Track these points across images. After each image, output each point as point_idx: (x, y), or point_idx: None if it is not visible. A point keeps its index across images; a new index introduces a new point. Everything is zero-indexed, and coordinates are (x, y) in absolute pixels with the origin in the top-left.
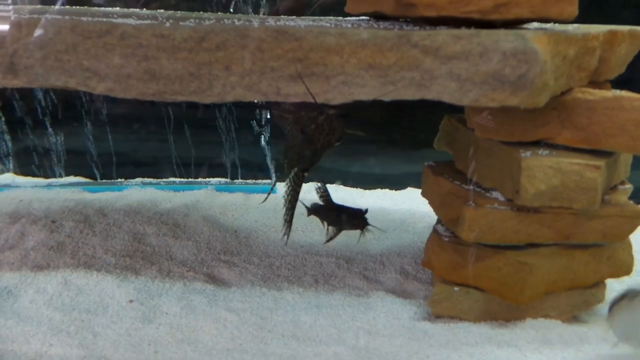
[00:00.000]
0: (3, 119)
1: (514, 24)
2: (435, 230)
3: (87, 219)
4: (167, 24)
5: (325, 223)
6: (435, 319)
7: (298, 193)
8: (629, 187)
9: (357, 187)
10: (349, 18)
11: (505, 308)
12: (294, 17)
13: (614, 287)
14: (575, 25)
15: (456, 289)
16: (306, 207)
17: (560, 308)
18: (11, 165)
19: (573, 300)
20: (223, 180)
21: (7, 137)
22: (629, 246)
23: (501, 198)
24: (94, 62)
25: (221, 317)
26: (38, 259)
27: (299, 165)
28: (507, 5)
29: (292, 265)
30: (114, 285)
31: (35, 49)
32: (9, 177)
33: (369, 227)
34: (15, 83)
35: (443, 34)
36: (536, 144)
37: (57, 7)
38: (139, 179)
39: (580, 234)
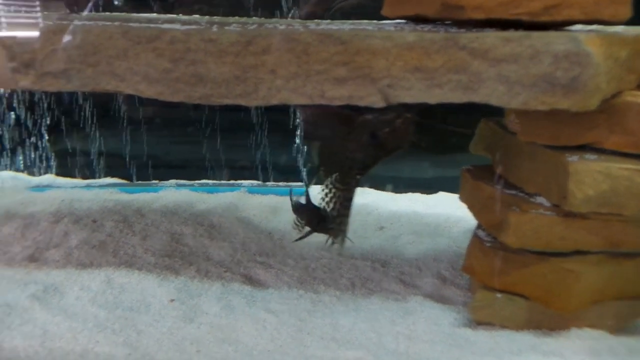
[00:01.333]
0: (45, 122)
1: (563, 25)
2: (476, 235)
3: (126, 219)
4: (214, 29)
5: (303, 222)
6: (476, 325)
7: (351, 200)
8: None
9: (387, 191)
10: (384, 22)
11: (549, 317)
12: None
13: None
14: (621, 27)
15: (498, 295)
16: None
17: (607, 318)
18: (52, 167)
19: (621, 310)
20: (255, 182)
21: (48, 139)
22: None
23: (546, 203)
24: (144, 67)
25: (260, 318)
26: (81, 257)
27: (354, 170)
28: (558, 7)
29: (327, 268)
30: (154, 284)
31: (88, 54)
32: (49, 178)
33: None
34: (68, 87)
35: (492, 36)
36: (582, 148)
37: (106, 13)
38: (173, 181)
39: (630, 242)
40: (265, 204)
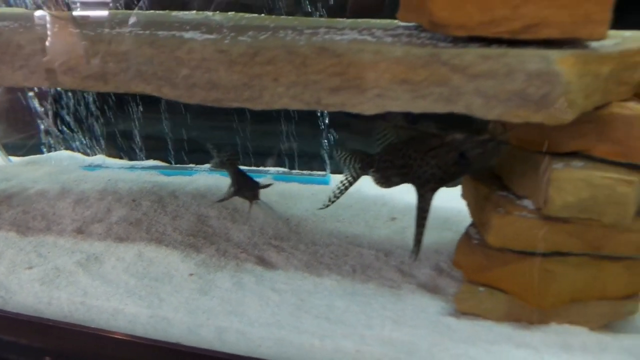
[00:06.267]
0: (97, 107)
1: (544, 42)
2: (467, 232)
3: (161, 200)
4: (227, 41)
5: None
6: (461, 315)
7: (427, 212)
8: None
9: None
10: (401, 24)
11: (529, 311)
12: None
13: None
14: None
15: (481, 289)
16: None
17: (588, 316)
18: (103, 148)
19: (603, 309)
20: (281, 169)
21: (100, 123)
22: None
23: (531, 206)
24: (167, 73)
25: (265, 295)
26: (119, 232)
27: (431, 184)
28: (537, 26)
29: (334, 254)
30: (178, 259)
31: (121, 60)
32: (100, 158)
33: (258, 201)
34: (106, 88)
35: (472, 53)
36: (573, 154)
37: (144, 11)
38: (207, 165)
39: (612, 246)
40: (287, 191)
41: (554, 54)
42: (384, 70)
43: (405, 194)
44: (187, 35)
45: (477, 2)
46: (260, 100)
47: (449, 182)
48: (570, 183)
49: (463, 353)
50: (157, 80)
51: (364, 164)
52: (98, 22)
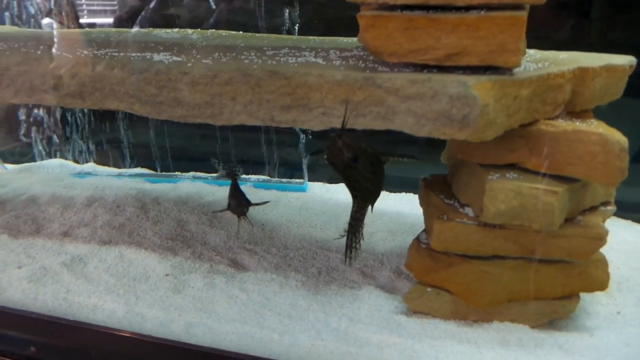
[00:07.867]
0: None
1: (466, 68)
2: (418, 237)
3: (144, 206)
4: (189, 64)
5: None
6: (412, 314)
7: (356, 220)
8: (611, 209)
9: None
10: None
11: (473, 309)
12: (295, 51)
13: (601, 300)
14: (576, 53)
15: (429, 290)
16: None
17: (528, 315)
18: (93, 156)
19: (541, 309)
20: (262, 177)
21: (91, 133)
22: (604, 263)
23: (471, 214)
24: (137, 92)
25: (234, 294)
26: (103, 236)
27: (350, 189)
28: (459, 55)
29: (303, 257)
30: (155, 261)
31: (96, 81)
32: (91, 166)
33: (244, 217)
34: (83, 105)
35: (402, 78)
36: (511, 166)
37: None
38: (191, 173)
39: (545, 250)
40: (266, 198)
41: (471, 79)
42: (327, 91)
43: (379, 201)
44: (157, 57)
45: (406, 32)
46: (221, 117)
47: (354, 184)
48: (502, 193)
49: (409, 347)
50: (129, 98)
51: None
52: (81, 44)
